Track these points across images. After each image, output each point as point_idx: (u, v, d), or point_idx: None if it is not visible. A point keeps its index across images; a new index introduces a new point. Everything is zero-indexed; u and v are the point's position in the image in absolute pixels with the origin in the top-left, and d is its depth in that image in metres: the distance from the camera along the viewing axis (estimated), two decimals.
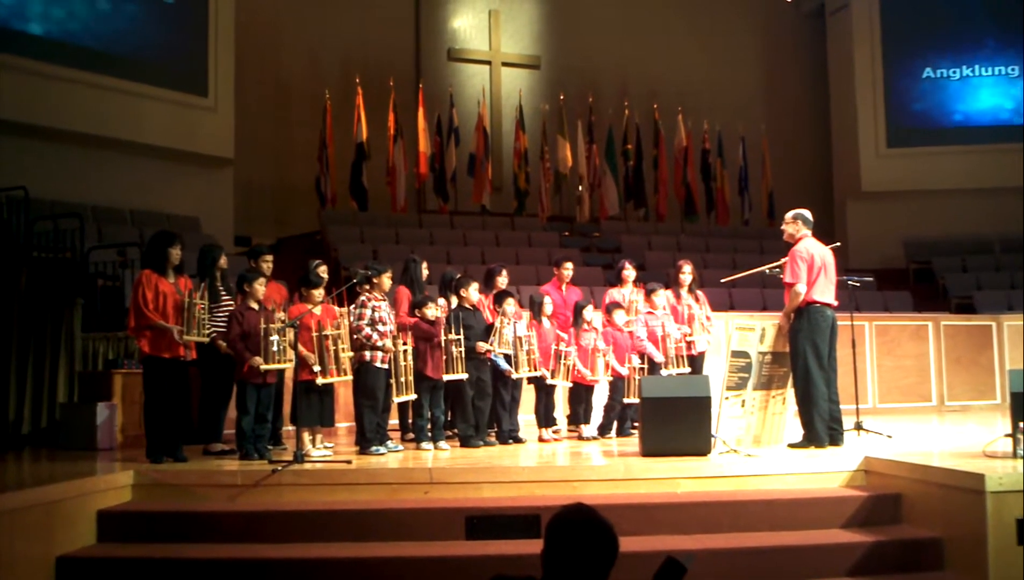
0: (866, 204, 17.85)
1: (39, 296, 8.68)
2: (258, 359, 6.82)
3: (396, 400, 7.44)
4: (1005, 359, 11.94)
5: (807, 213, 7.42)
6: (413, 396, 7.38)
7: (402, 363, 7.30)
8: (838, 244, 7.84)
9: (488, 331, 7.80)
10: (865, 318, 11.50)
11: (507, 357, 7.87)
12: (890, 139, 17.80)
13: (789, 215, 7.45)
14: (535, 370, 8.01)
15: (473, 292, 7.91)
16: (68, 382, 8.67)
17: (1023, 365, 10.88)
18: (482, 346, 7.70)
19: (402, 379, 7.30)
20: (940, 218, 17.21)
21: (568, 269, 9.09)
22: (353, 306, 7.42)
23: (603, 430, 8.49)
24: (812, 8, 19.26)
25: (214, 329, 7.18)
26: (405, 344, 7.32)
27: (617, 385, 8.36)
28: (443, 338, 7.48)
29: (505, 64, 17.92)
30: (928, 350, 11.84)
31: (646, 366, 8.28)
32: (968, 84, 17.89)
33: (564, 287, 9.01)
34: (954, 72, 17.92)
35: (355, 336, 7.15)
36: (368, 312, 7.26)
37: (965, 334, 12.08)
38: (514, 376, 7.95)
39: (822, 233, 7.78)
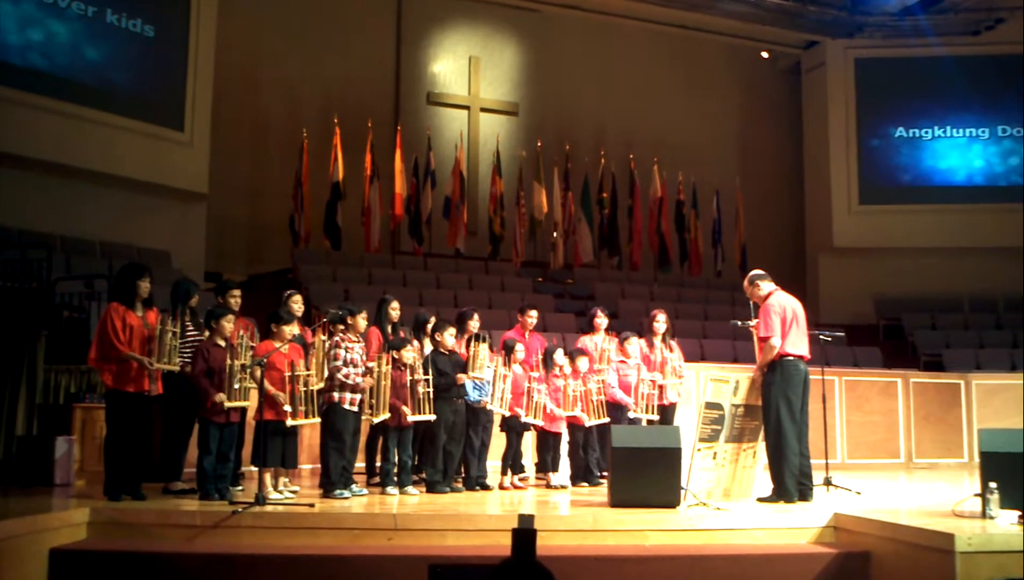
0: (837, 259, 18.00)
1: (2, 326, 8.52)
2: (222, 395, 6.69)
3: (374, 421, 7.36)
4: (973, 418, 12.00)
5: (758, 272, 7.48)
6: (387, 415, 7.29)
7: (381, 383, 7.24)
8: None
9: (464, 368, 7.77)
10: (835, 373, 11.52)
11: (479, 387, 7.81)
12: (862, 196, 17.99)
13: (745, 283, 7.51)
14: (503, 407, 7.96)
15: (449, 337, 7.85)
16: (28, 415, 8.47)
17: (991, 425, 10.96)
18: (463, 377, 7.67)
19: (377, 400, 7.25)
20: (910, 275, 17.36)
21: (532, 317, 9.01)
22: (328, 347, 7.33)
23: (572, 479, 8.43)
24: (788, 65, 19.53)
25: (182, 362, 7.07)
26: (386, 364, 7.27)
27: (576, 432, 8.37)
28: (410, 379, 7.41)
29: (484, 110, 18.01)
30: (897, 406, 11.88)
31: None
32: (939, 144, 18.16)
33: (527, 334, 8.96)
34: (926, 132, 18.18)
35: (335, 376, 7.08)
36: (342, 353, 7.19)
37: (934, 391, 12.13)
38: (490, 407, 7.89)
39: (794, 287, 7.81)
